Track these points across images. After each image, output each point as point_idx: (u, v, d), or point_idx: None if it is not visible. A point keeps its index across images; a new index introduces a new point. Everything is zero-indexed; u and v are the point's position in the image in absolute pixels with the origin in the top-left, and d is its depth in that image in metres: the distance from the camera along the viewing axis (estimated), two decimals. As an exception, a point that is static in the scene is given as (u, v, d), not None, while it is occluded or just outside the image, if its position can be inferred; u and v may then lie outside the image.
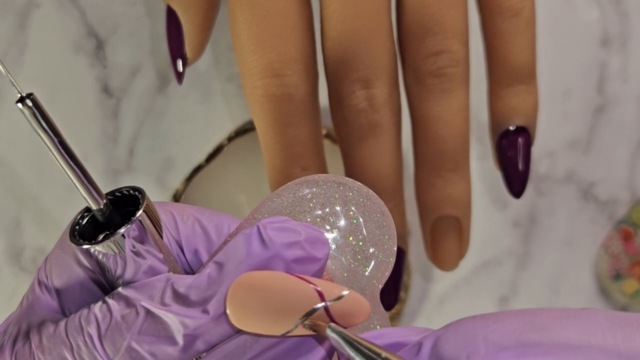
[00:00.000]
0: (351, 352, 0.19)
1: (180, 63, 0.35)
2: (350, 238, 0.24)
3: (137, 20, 0.43)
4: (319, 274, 0.21)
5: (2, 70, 0.21)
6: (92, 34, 0.43)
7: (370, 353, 0.19)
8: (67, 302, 0.23)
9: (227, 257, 0.21)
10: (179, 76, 0.35)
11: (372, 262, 0.24)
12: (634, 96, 0.45)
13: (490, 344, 0.18)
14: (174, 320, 0.21)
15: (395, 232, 0.24)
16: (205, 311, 0.21)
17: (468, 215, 0.35)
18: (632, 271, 0.44)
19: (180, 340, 0.21)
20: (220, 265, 0.21)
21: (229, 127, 0.44)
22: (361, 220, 0.24)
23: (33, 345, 0.22)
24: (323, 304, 0.20)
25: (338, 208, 0.24)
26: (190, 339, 0.21)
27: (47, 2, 0.43)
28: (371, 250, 0.24)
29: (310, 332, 0.21)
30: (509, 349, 0.18)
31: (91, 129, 0.43)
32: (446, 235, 0.35)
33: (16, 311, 0.24)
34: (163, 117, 0.44)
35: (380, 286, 0.24)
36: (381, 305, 0.24)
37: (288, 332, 0.20)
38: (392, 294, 0.36)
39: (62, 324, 0.22)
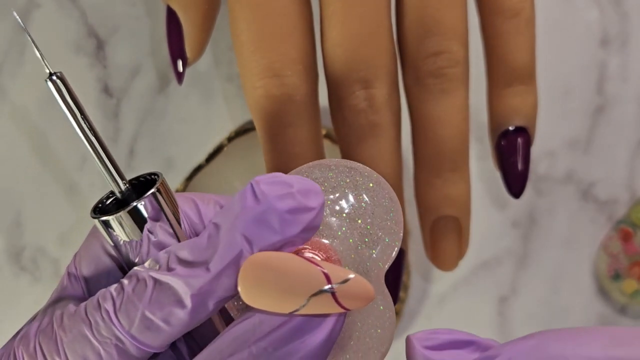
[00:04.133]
0: None
1: (180, 63, 0.35)
2: (359, 221, 0.25)
3: (137, 21, 0.43)
4: (314, 223, 0.22)
5: (34, 46, 0.22)
6: (92, 34, 0.43)
7: None
8: (94, 289, 0.24)
9: (224, 216, 0.22)
10: (179, 76, 0.35)
11: (379, 245, 0.25)
12: (634, 96, 0.45)
13: (580, 357, 0.19)
14: (180, 283, 0.22)
15: (402, 218, 0.25)
16: (208, 269, 0.22)
17: (467, 215, 0.36)
18: (632, 271, 0.44)
19: (188, 302, 0.22)
20: (218, 225, 0.22)
21: (229, 127, 0.44)
22: (370, 204, 0.25)
23: (55, 325, 0.23)
24: (329, 286, 0.21)
25: (348, 192, 0.25)
26: (198, 299, 0.22)
27: (47, 2, 0.43)
28: (379, 234, 0.25)
29: (317, 312, 0.22)
30: None
31: (91, 129, 0.43)
32: (446, 235, 0.35)
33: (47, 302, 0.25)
34: (163, 117, 0.44)
35: (386, 267, 0.25)
36: (385, 287, 0.25)
37: (295, 310, 0.21)
38: (391, 294, 0.36)
39: (82, 304, 0.23)
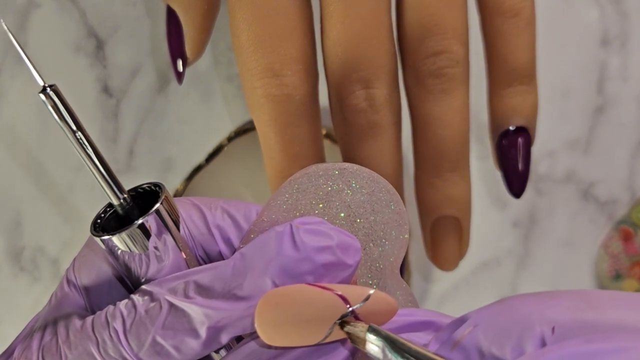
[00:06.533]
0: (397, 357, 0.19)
1: (180, 63, 0.35)
2: (359, 221, 0.24)
3: (137, 21, 0.43)
4: (347, 280, 0.21)
5: (25, 59, 0.21)
6: (92, 34, 0.43)
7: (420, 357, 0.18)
8: (95, 300, 0.24)
9: (255, 252, 0.21)
10: (179, 76, 0.35)
11: (387, 240, 0.24)
12: (634, 96, 0.45)
13: (546, 320, 0.18)
14: (198, 312, 0.21)
15: (404, 208, 0.24)
16: (229, 303, 0.21)
17: (468, 215, 0.36)
18: (632, 271, 0.44)
19: (203, 333, 0.21)
20: (246, 258, 0.21)
21: (229, 127, 0.44)
22: (367, 201, 0.24)
23: (60, 341, 0.22)
24: (350, 309, 0.20)
25: (343, 194, 0.24)
26: (213, 331, 0.21)
27: (47, 2, 0.43)
28: (384, 229, 0.24)
29: (344, 336, 0.20)
30: (570, 330, 0.18)
31: (91, 129, 0.43)
32: (446, 235, 0.35)
33: (44, 308, 0.24)
34: (163, 117, 0.44)
35: (399, 262, 0.24)
36: (403, 281, 0.25)
37: (322, 340, 0.20)
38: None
39: (88, 320, 0.22)
